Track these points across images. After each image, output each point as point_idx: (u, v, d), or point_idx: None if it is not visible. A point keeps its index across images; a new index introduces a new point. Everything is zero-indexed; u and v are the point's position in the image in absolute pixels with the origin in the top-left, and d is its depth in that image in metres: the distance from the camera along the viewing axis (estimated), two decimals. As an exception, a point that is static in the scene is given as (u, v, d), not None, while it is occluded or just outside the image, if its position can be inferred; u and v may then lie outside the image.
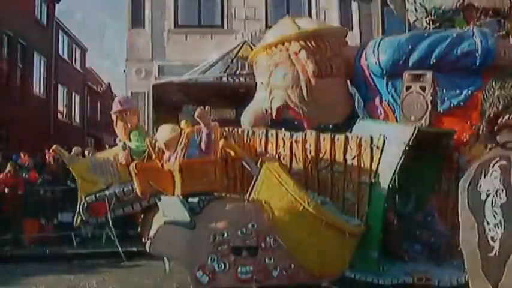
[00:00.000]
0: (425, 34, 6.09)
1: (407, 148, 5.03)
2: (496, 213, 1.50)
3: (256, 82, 6.62)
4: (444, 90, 5.94)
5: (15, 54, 19.76)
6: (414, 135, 5.02)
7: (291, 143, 5.31)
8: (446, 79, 5.98)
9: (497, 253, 1.48)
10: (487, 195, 1.54)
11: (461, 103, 5.93)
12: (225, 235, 4.74)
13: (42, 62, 22.95)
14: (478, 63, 5.91)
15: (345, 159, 5.23)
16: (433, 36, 6.00)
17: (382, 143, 5.14)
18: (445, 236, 5.45)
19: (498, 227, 1.50)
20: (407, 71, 5.51)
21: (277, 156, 5.34)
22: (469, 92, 5.95)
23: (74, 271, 7.97)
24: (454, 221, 5.37)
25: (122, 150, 6.04)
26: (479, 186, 1.57)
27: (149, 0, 15.30)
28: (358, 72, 6.22)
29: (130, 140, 6.23)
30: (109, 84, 39.45)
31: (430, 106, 5.31)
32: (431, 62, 5.85)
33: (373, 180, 5.15)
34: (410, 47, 5.88)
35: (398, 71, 5.91)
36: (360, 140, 5.20)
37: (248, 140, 5.47)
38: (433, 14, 6.43)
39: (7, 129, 17.61)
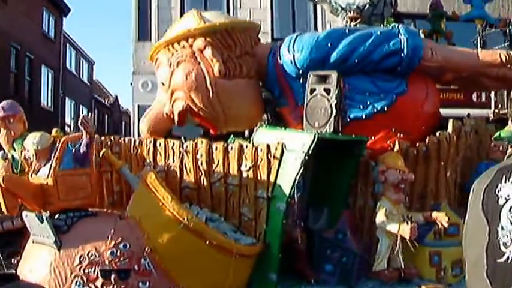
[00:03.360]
0: (346, 31, 5.55)
1: (306, 158, 4.50)
2: None
3: None
4: (367, 94, 5.43)
5: (23, 67, 20.09)
6: (314, 143, 4.48)
7: (181, 153, 4.78)
8: (369, 82, 5.47)
9: (509, 260, 1.45)
10: (506, 200, 1.51)
11: (386, 108, 5.41)
12: (93, 256, 4.22)
13: (49, 74, 23.43)
14: (403, 64, 5.41)
15: (239, 171, 4.69)
16: (355, 34, 5.46)
17: (281, 153, 4.60)
18: (358, 256, 4.90)
19: None
20: (311, 72, 4.97)
21: (166, 168, 4.83)
22: (394, 96, 5.46)
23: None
24: (371, 239, 4.82)
25: (2, 161, 5.53)
26: (498, 191, 1.54)
27: (155, 13, 15.30)
28: (271, 73, 5.64)
29: (14, 149, 5.73)
30: (116, 97, 39.55)
31: (334, 110, 4.76)
32: (353, 62, 5.32)
33: (270, 195, 4.62)
34: (329, 45, 5.35)
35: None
36: (256, 149, 4.67)
37: (135, 150, 4.94)
38: (348, 10, 5.90)
39: (14, 142, 17.60)
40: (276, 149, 4.60)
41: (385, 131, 5.46)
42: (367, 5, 5.64)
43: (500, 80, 5.70)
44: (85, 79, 32.04)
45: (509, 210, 1.49)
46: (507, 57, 5.49)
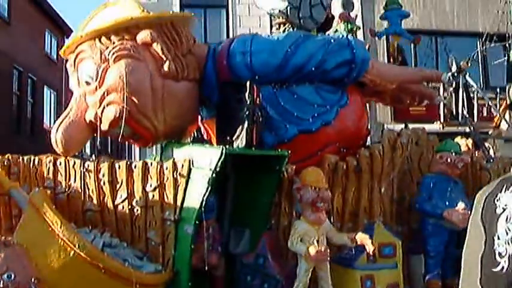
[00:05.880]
0: (301, 36, 5.12)
1: (214, 175, 4.12)
2: (509, 229, 1.49)
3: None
4: (315, 106, 5.07)
5: (26, 88, 20.02)
6: (221, 160, 4.10)
7: (82, 172, 4.40)
8: (315, 93, 5.12)
9: (504, 270, 1.46)
10: (503, 210, 1.52)
11: (331, 121, 5.04)
12: (-26, 289, 3.85)
13: (52, 96, 23.31)
14: (351, 76, 5.11)
15: (145, 191, 4.30)
16: (311, 40, 5.11)
17: (188, 170, 4.22)
18: (281, 282, 4.47)
19: (509, 244, 1.48)
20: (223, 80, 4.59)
21: (67, 189, 4.45)
22: (338, 109, 5.12)
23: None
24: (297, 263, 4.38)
25: None
26: (497, 200, 1.55)
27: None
28: (209, 77, 4.96)
29: None
30: (120, 115, 39.41)
31: (246, 122, 4.38)
32: (310, 70, 4.95)
33: (177, 216, 4.22)
34: (290, 49, 4.92)
35: (272, 78, 4.93)
36: (162, 167, 4.29)
37: (35, 170, 4.55)
38: (275, 16, 5.57)
39: (18, 164, 17.72)
40: (183, 166, 4.23)
41: (332, 147, 5.11)
42: (289, 8, 5.26)
43: (414, 95, 6.02)
44: (88, 99, 32.03)
45: (506, 220, 1.49)
46: (423, 75, 5.99)
